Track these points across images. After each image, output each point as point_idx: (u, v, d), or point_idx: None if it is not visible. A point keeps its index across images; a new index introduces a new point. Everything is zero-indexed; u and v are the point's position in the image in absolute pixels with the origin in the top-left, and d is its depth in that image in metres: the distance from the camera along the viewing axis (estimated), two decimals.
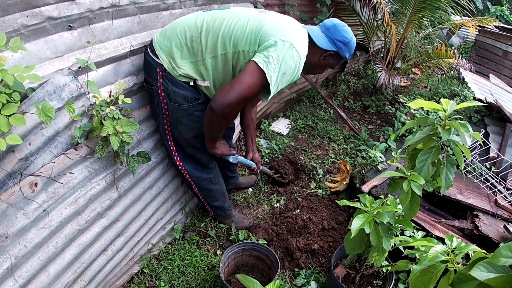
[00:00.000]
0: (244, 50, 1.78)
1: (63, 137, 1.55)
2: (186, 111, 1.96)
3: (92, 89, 1.57)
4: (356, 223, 1.54)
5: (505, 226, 2.39)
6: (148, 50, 1.88)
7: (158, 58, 1.84)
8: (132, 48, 1.88)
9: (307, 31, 1.93)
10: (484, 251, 1.12)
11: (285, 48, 1.67)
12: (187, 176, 2.33)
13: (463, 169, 2.96)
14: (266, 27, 1.75)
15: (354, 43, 2.00)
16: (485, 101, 3.60)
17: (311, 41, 1.92)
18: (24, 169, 1.41)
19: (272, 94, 1.74)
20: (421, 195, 1.53)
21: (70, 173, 1.60)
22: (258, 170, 2.71)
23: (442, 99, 1.47)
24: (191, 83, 1.90)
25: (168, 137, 2.13)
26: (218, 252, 2.59)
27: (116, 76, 1.83)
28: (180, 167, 2.28)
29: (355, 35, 5.55)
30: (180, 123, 2.01)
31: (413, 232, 1.87)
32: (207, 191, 2.48)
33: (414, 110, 4.52)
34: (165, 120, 2.02)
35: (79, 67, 1.55)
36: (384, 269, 2.17)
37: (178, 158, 2.23)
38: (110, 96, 1.67)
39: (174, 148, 2.19)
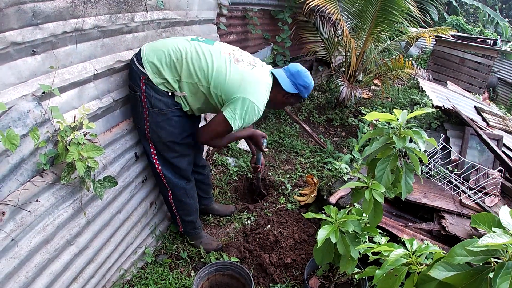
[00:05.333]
0: (213, 91, 2.09)
1: (29, 164, 1.52)
2: (165, 116, 2.12)
3: (56, 115, 1.56)
4: (321, 234, 1.60)
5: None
6: (135, 59, 2.06)
7: (143, 67, 2.02)
8: (95, 72, 1.89)
9: (274, 74, 2.26)
10: (444, 251, 1.20)
11: (249, 106, 2.05)
12: (165, 181, 2.40)
13: (427, 173, 3.10)
14: (236, 81, 2.07)
15: (312, 86, 2.32)
16: (443, 107, 3.78)
17: (277, 83, 2.25)
18: None
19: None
20: (383, 202, 1.60)
21: (37, 200, 1.57)
22: (259, 173, 3.25)
23: (394, 109, 1.57)
24: (169, 94, 2.10)
25: (148, 140, 2.23)
26: (192, 273, 2.57)
27: (80, 101, 1.83)
28: (158, 171, 2.34)
29: (317, 52, 5.72)
30: (160, 127, 2.14)
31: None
32: (181, 203, 2.51)
33: (376, 120, 4.70)
34: (145, 125, 2.15)
35: (43, 93, 1.54)
36: (356, 276, 2.22)
37: (158, 162, 2.31)
38: (74, 121, 1.66)
39: (155, 152, 2.27)
